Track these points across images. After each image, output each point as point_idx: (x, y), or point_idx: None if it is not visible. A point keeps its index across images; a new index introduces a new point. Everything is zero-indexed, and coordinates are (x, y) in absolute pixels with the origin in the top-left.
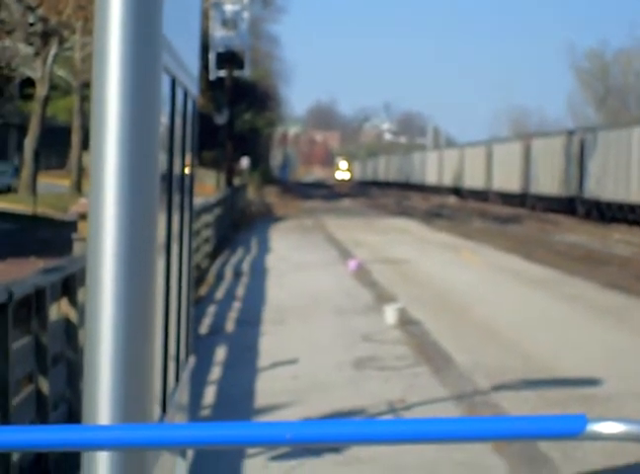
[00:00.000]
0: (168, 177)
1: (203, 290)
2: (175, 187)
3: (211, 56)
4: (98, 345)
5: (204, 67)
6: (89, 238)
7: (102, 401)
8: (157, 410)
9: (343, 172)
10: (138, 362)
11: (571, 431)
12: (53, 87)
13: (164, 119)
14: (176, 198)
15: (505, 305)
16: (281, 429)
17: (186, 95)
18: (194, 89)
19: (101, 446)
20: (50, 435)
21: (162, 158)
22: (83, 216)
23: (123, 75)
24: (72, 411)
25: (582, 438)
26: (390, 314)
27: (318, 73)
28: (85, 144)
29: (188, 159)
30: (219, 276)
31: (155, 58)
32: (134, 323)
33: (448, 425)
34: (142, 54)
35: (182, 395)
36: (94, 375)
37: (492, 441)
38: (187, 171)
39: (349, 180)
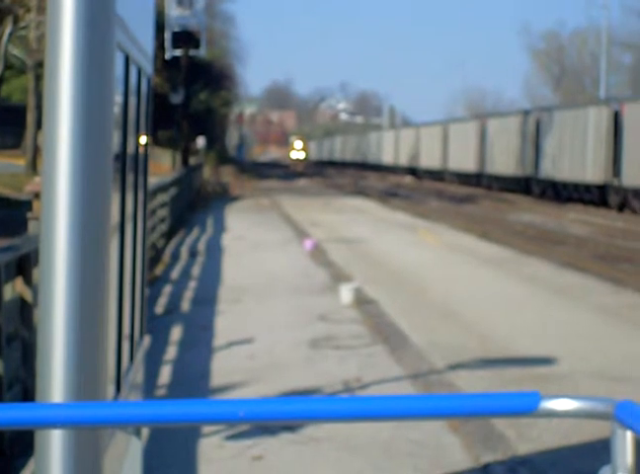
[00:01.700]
0: (122, 156)
1: (159, 270)
2: (129, 166)
3: (167, 35)
4: (51, 324)
5: (160, 46)
6: (42, 217)
7: (55, 380)
8: (111, 389)
9: (298, 151)
10: (92, 342)
11: (525, 408)
12: (8, 66)
13: (118, 98)
14: (130, 178)
15: (461, 285)
16: (235, 406)
17: (140, 73)
18: (148, 67)
19: (54, 424)
20: (3, 414)
21: (116, 137)
22: (37, 195)
23: (76, 52)
24: (27, 390)
25: (535, 415)
26: (346, 294)
27: (274, 53)
28: (40, 124)
29: (142, 138)
30: (175, 256)
31: (108, 35)
32: (88, 302)
33: (402, 402)
34: (95, 31)
35: (136, 374)
36: (47, 355)
37: (446, 419)
38: (141, 150)
39: (304, 159)
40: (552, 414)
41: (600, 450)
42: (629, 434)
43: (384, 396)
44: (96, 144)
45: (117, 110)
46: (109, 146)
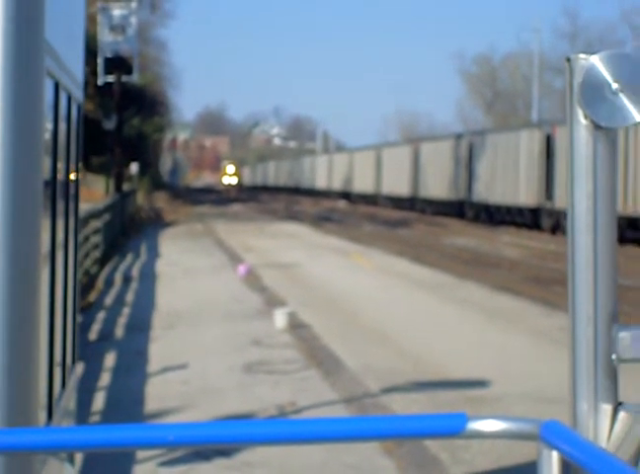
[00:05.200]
0: (52, 183)
1: (93, 296)
2: (59, 193)
3: (100, 61)
4: None
5: (93, 72)
6: None
7: None
8: (43, 415)
9: (230, 176)
10: (23, 369)
11: (451, 429)
12: None
13: (48, 125)
14: (60, 205)
15: (395, 309)
16: (165, 430)
17: (70, 99)
18: (78, 94)
19: None
20: None
21: (46, 164)
22: None
23: (5, 80)
24: None
25: (462, 437)
26: (280, 318)
27: (207, 78)
28: None
29: (72, 165)
30: (109, 282)
31: (38, 63)
32: (18, 330)
33: (332, 425)
34: (24, 58)
35: (68, 401)
36: None
37: (374, 441)
38: (72, 177)
39: (237, 184)
40: (479, 435)
41: (531, 472)
42: (555, 455)
43: (312, 419)
44: (25, 171)
45: (46, 137)
46: (38, 173)
